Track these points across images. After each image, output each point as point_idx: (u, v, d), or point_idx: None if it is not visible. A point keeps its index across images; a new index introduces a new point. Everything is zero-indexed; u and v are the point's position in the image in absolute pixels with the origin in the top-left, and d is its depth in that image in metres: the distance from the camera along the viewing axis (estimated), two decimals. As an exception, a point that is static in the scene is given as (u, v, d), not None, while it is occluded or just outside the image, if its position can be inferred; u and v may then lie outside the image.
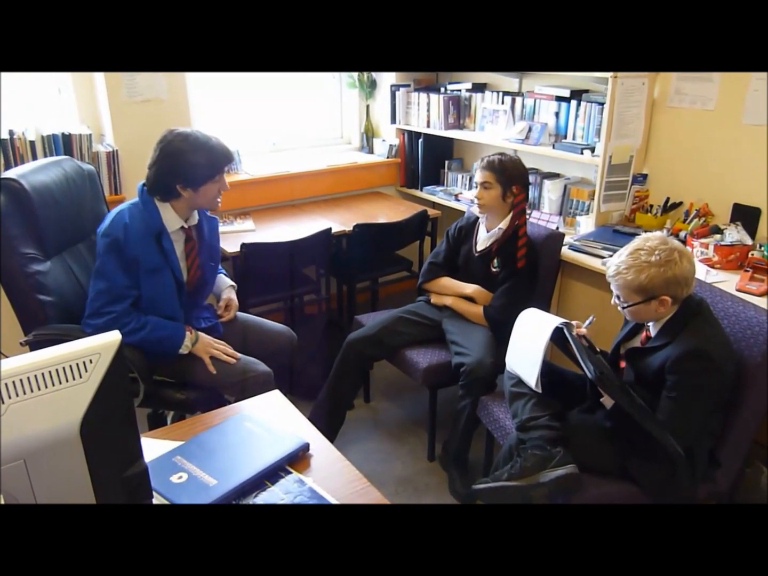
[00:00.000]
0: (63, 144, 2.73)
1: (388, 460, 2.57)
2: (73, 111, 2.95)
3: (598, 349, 1.91)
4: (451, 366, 2.31)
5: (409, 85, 3.76)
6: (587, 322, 1.88)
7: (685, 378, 1.61)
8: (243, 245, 2.71)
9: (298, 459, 1.36)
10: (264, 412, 1.53)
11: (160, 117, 2.97)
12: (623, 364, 1.84)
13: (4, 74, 2.74)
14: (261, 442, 1.39)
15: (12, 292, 1.95)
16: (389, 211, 3.43)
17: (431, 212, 3.32)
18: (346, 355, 2.48)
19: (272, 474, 1.30)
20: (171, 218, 1.97)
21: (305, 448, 1.38)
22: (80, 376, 0.82)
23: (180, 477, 1.27)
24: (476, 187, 2.39)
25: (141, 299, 1.94)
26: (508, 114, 3.19)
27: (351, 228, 3.02)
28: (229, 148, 1.99)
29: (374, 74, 3.77)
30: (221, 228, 3.06)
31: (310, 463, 1.37)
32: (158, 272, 1.93)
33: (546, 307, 2.71)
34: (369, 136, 3.96)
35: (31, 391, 0.78)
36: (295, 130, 3.82)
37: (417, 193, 3.83)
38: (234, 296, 2.31)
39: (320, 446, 1.42)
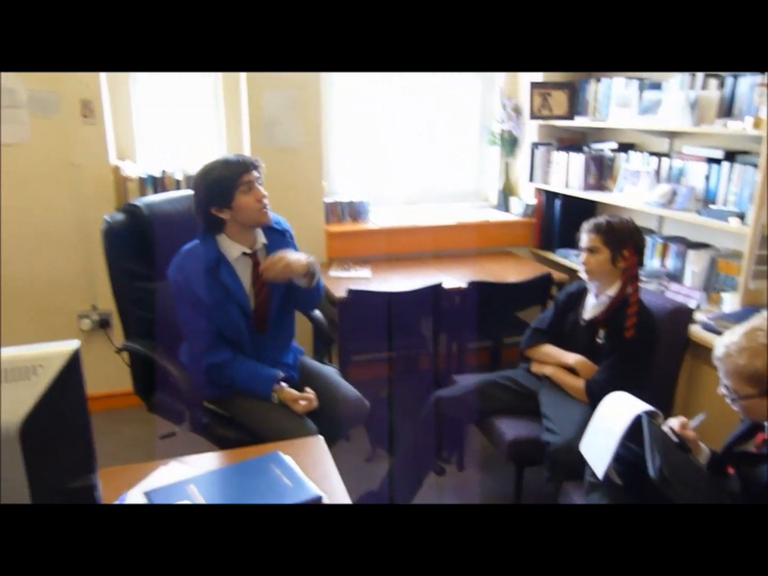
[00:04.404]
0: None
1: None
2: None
3: (706, 448, 1.59)
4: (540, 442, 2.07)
5: (551, 144, 3.60)
6: (696, 420, 1.59)
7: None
8: (349, 291, 2.72)
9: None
10: (298, 457, 1.47)
11: (294, 166, 3.15)
12: (731, 470, 1.50)
13: (182, 117, 3.12)
14: (274, 487, 1.32)
15: (118, 301, 2.17)
16: (514, 272, 3.25)
17: (556, 275, 3.09)
18: (431, 413, 2.33)
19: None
20: (230, 247, 1.93)
21: (316, 501, 1.28)
22: (28, 379, 0.82)
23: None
24: (582, 252, 2.18)
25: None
26: (651, 175, 2.90)
27: (465, 285, 2.91)
28: (250, 157, 1.93)
29: (515, 131, 3.68)
30: (337, 273, 3.14)
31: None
32: (221, 307, 1.91)
33: (669, 393, 2.36)
34: (507, 194, 3.85)
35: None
36: (431, 184, 3.82)
37: (550, 255, 3.60)
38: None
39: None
